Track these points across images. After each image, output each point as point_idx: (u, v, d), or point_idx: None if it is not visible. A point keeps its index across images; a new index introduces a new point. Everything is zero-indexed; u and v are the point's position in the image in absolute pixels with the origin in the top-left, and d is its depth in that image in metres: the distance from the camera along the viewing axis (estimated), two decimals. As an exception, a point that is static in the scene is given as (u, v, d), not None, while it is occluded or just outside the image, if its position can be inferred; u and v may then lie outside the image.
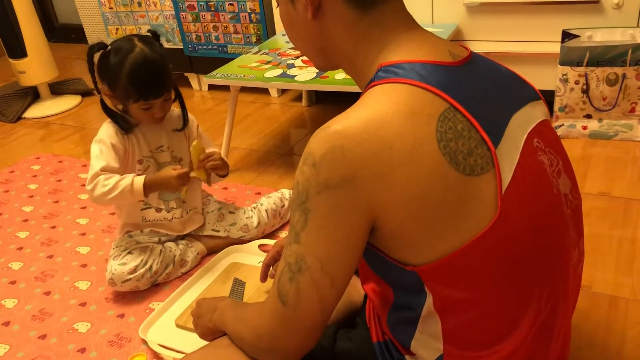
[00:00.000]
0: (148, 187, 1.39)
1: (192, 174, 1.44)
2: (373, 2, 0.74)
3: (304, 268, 0.70)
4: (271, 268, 1.31)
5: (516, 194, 0.68)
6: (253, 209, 1.66)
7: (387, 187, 0.65)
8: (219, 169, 1.48)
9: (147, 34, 1.45)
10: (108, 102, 1.45)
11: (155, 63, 1.37)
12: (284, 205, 1.70)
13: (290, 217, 0.73)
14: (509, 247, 0.69)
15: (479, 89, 0.72)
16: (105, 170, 1.39)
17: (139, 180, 1.38)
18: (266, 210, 1.66)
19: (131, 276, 1.45)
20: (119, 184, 1.37)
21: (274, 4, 0.87)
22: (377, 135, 0.65)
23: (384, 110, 0.67)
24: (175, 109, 1.57)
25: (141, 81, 1.37)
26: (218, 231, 1.63)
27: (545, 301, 0.74)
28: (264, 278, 1.32)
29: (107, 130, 1.45)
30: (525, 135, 0.73)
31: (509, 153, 0.69)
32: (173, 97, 1.48)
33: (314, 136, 0.69)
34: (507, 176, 0.68)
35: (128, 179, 1.37)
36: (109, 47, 1.40)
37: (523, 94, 0.78)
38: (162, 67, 1.39)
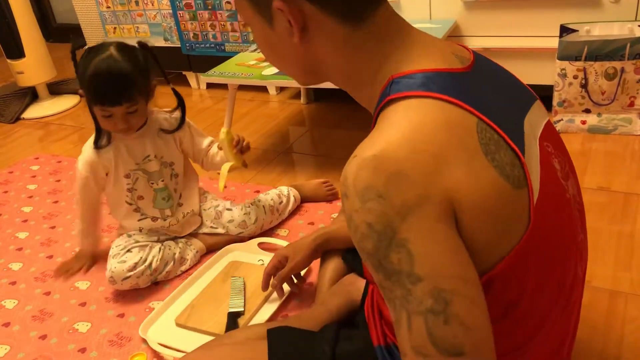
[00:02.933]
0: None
1: (230, 166, 1.49)
2: (363, 12, 0.69)
3: (449, 297, 0.58)
4: (272, 278, 1.31)
5: (543, 204, 0.66)
6: (251, 205, 1.65)
7: (457, 201, 0.61)
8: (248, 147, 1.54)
9: (136, 44, 1.41)
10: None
11: (118, 70, 1.32)
12: (282, 202, 1.70)
13: (380, 276, 0.62)
14: (536, 259, 0.66)
15: (493, 97, 0.69)
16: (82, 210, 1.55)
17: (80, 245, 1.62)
18: (264, 207, 1.65)
19: (131, 273, 1.45)
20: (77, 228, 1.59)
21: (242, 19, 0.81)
22: (428, 152, 0.60)
23: (423, 124, 0.62)
24: (162, 110, 1.53)
25: (98, 85, 1.34)
26: (216, 228, 1.63)
27: (564, 307, 0.73)
28: (265, 287, 1.32)
29: (87, 152, 1.47)
30: (538, 141, 0.71)
31: (532, 162, 0.67)
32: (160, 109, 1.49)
33: (359, 169, 0.61)
34: (536, 187, 0.65)
35: (78, 239, 1.61)
36: (87, 46, 1.39)
37: (526, 96, 0.77)
38: (124, 75, 1.33)
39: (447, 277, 0.58)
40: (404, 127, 0.62)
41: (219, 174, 1.52)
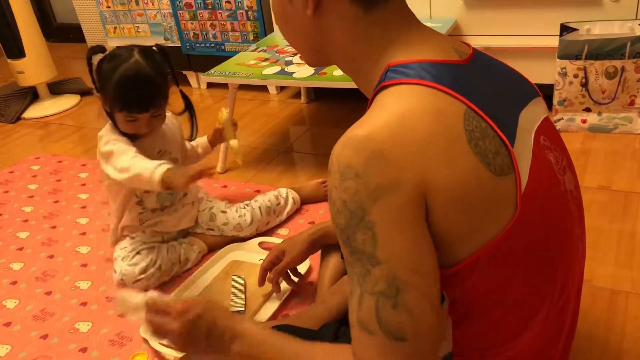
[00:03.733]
0: (164, 183, 1.27)
1: (231, 144, 1.59)
2: None
3: (401, 286, 0.61)
4: (269, 273, 1.31)
5: (532, 194, 0.67)
6: (246, 206, 1.64)
7: (431, 188, 0.63)
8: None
9: (154, 47, 1.41)
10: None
11: (146, 77, 1.33)
12: (279, 203, 1.70)
13: (346, 251, 0.65)
14: (525, 248, 0.68)
15: (488, 89, 0.71)
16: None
17: (158, 174, 1.26)
18: (260, 207, 1.65)
19: (142, 276, 1.45)
20: (137, 168, 1.29)
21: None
22: (412, 136, 0.63)
23: (411, 109, 0.64)
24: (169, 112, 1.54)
25: (126, 93, 1.33)
26: (212, 230, 1.63)
27: (557, 300, 0.74)
28: (261, 282, 1.32)
29: (110, 136, 1.40)
30: (533, 134, 0.72)
31: (523, 152, 0.68)
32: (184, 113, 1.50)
33: (344, 147, 0.64)
34: (524, 176, 0.67)
35: (149, 169, 1.27)
36: (107, 51, 1.39)
37: (526, 91, 0.78)
38: (152, 82, 1.34)
39: (403, 268, 0.62)
40: (392, 111, 0.65)
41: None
